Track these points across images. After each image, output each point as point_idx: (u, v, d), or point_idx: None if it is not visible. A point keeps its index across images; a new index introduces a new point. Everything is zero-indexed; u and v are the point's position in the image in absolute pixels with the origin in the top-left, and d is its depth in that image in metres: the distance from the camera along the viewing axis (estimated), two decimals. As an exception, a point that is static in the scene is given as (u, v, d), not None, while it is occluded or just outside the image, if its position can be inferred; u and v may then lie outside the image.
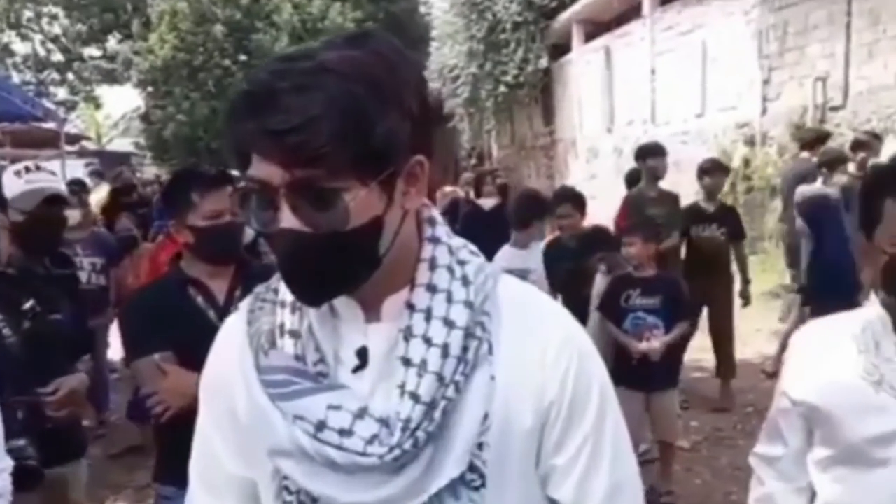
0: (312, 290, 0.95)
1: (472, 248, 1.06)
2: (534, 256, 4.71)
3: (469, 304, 0.97)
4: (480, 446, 0.96)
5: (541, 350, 1.00)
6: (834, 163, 5.86)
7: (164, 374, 2.26)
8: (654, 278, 4.35)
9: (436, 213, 1.05)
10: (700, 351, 6.01)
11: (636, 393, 4.16)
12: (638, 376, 4.17)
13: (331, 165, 0.85)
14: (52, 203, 2.56)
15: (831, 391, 1.47)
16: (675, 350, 4.34)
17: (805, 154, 6.89)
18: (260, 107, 0.86)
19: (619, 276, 4.41)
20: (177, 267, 2.53)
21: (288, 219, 0.88)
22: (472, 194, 8.29)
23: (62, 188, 2.65)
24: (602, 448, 1.02)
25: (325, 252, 0.90)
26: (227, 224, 2.34)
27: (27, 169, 2.59)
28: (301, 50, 0.93)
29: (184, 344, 2.18)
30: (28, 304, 2.53)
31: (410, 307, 0.97)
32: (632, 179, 6.92)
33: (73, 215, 5.22)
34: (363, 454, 0.93)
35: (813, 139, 6.97)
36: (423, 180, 0.96)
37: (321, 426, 0.93)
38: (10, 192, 2.54)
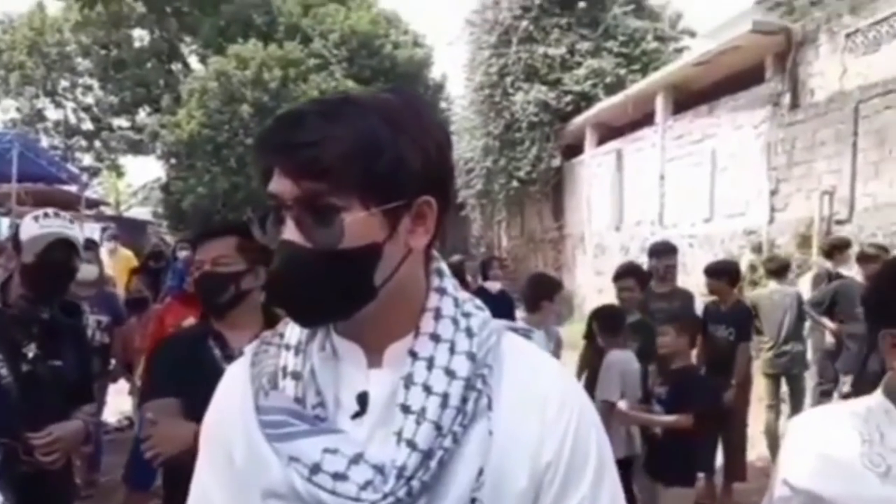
0: (303, 307, 0.95)
1: (478, 302, 1.06)
2: (539, 340, 4.69)
3: (471, 356, 0.96)
4: (473, 502, 0.94)
5: (540, 408, 0.98)
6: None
7: (155, 422, 2.26)
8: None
9: (444, 265, 1.05)
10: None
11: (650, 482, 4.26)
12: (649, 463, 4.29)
13: (336, 183, 0.89)
14: (61, 248, 2.54)
15: (835, 481, 1.41)
16: (683, 445, 4.20)
17: (827, 263, 7.05)
18: (286, 126, 0.92)
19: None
20: (205, 318, 2.54)
21: (290, 231, 0.92)
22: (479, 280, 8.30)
23: (74, 235, 2.64)
24: None
25: (317, 268, 0.91)
26: (205, 274, 2.37)
27: (45, 215, 2.60)
28: (341, 91, 1.00)
29: (195, 394, 2.17)
30: (29, 348, 2.51)
31: (413, 355, 0.96)
32: None
33: (90, 271, 5.23)
34: (356, 500, 0.91)
35: (832, 247, 7.04)
36: (430, 221, 0.96)
37: (316, 469, 0.92)
38: (24, 235, 2.56)
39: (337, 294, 0.93)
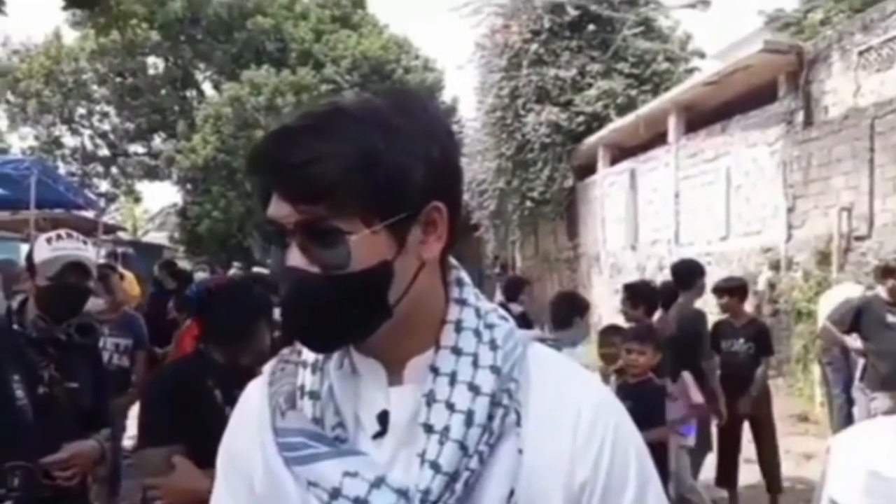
0: (315, 334, 0.90)
1: (502, 312, 1.00)
2: (578, 357, 4.60)
3: (496, 370, 0.90)
4: None
5: (572, 423, 0.91)
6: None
7: (172, 469, 2.24)
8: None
9: (464, 274, 0.99)
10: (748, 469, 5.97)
11: None
12: None
13: (336, 203, 0.83)
14: (74, 271, 2.54)
15: (883, 495, 1.37)
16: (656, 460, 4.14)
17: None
18: (276, 145, 0.86)
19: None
20: (200, 351, 2.54)
21: (295, 257, 0.87)
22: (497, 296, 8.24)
23: (87, 256, 2.63)
24: None
25: (328, 293, 0.86)
26: None
27: (58, 236, 2.61)
28: (329, 100, 0.93)
29: (196, 436, 2.15)
30: (45, 369, 2.49)
31: (434, 370, 0.91)
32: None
33: (97, 304, 5.15)
34: None
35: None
36: (441, 228, 0.90)
37: (335, 494, 0.87)
38: (38, 258, 2.56)
39: (350, 318, 0.88)
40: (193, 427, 2.19)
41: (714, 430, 5.71)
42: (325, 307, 0.87)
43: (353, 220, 0.84)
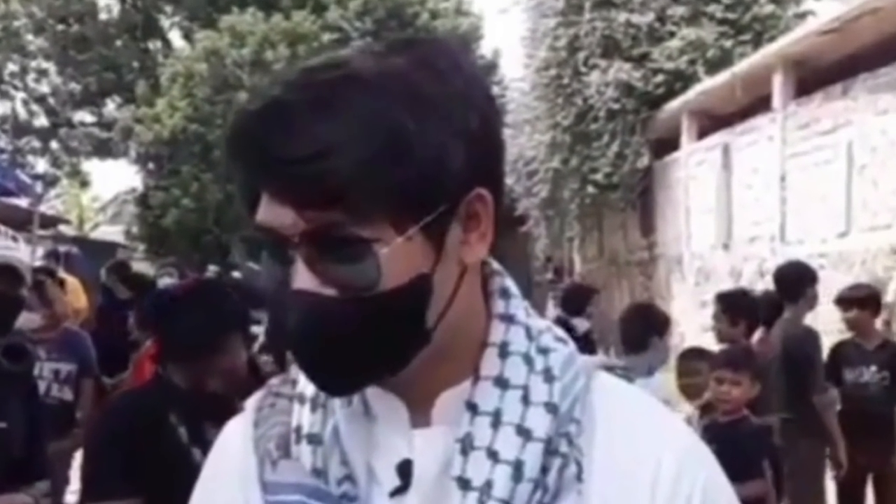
0: (335, 374, 0.89)
1: (559, 332, 1.00)
2: (655, 388, 4.54)
3: (552, 408, 0.91)
4: None
5: (650, 479, 0.92)
6: None
7: None
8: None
9: (510, 282, 0.99)
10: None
11: None
12: None
13: (356, 205, 0.82)
14: (1, 276, 2.64)
15: None
16: None
17: None
18: (267, 129, 0.83)
19: None
20: (159, 377, 2.65)
21: (303, 277, 0.85)
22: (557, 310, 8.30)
23: (18, 258, 2.74)
24: None
25: (351, 322, 0.85)
26: None
27: None
28: (330, 57, 0.91)
29: (157, 488, 2.26)
30: None
31: (472, 408, 0.91)
32: None
33: (31, 319, 5.29)
34: None
35: None
36: (486, 221, 0.90)
37: None
38: None
39: (380, 351, 0.88)
40: (152, 476, 2.30)
41: (831, 484, 5.74)
42: (349, 340, 0.86)
43: (381, 224, 0.83)
